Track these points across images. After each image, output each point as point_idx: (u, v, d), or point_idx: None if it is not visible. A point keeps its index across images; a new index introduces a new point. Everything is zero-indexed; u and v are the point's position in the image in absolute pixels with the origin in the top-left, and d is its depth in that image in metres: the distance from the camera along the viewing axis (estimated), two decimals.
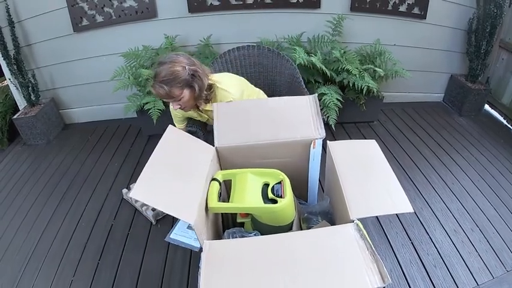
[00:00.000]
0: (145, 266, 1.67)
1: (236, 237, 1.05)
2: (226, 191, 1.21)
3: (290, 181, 1.13)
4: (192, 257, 1.69)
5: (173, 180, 1.02)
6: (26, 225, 1.96)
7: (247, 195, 1.05)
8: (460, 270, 1.64)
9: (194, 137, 1.21)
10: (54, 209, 2.07)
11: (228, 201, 1.07)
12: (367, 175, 1.05)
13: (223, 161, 1.25)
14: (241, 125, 1.27)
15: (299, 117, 1.25)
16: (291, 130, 1.23)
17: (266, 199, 1.07)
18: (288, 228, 1.10)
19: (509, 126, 2.88)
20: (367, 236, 0.84)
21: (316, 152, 1.23)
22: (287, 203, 1.05)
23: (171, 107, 1.56)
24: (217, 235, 1.21)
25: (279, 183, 1.12)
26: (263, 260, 0.81)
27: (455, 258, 1.70)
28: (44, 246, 1.81)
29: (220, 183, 1.11)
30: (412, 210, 0.92)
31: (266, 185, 1.13)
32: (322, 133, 1.21)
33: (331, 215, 1.22)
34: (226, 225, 1.29)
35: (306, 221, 1.22)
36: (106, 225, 1.92)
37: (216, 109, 1.27)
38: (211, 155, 1.15)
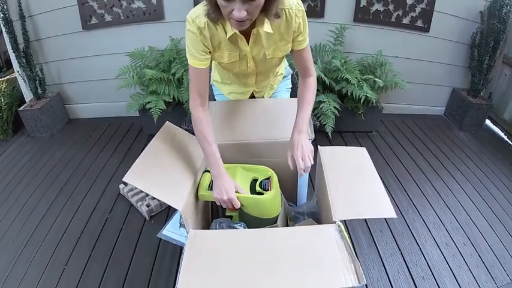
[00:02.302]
0: (136, 259, 1.70)
1: (223, 227, 1.08)
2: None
3: (280, 183, 1.16)
4: (182, 255, 1.71)
5: (166, 170, 1.07)
6: (23, 214, 2.00)
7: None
8: (448, 283, 1.62)
9: (190, 134, 1.23)
10: (51, 200, 2.11)
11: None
12: (353, 180, 1.07)
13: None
14: (234, 123, 1.30)
15: (290, 118, 1.28)
16: (282, 130, 1.25)
17: (254, 192, 1.11)
18: (273, 221, 1.13)
19: (509, 142, 2.87)
20: (347, 237, 0.86)
21: None
22: (272, 195, 1.09)
23: (190, 77, 1.14)
24: (206, 227, 1.24)
25: (267, 178, 1.15)
26: (243, 253, 0.83)
27: (445, 271, 1.69)
28: (39, 236, 1.85)
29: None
30: (394, 216, 0.92)
31: (255, 180, 1.16)
32: (312, 135, 1.23)
33: (317, 215, 1.24)
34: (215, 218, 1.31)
35: (293, 219, 1.25)
36: (101, 219, 1.95)
37: (210, 107, 1.27)
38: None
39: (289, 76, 1.57)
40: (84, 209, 2.03)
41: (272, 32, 1.04)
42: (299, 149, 1.07)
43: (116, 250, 1.75)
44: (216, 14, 0.96)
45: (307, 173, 1.35)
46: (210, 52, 1.10)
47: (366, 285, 1.58)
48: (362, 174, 1.10)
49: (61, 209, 2.04)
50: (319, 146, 1.18)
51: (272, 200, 1.09)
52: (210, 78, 1.46)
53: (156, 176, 1.03)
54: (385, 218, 1.06)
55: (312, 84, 1.21)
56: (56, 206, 2.07)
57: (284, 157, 1.12)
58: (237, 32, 1.02)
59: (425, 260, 1.74)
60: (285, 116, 1.30)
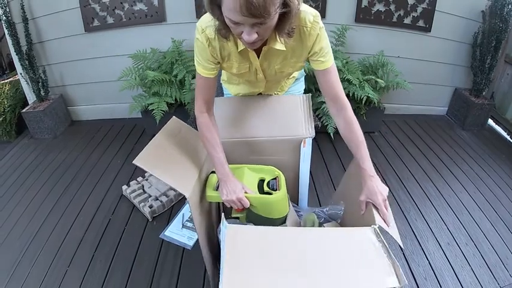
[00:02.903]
0: (139, 260, 1.70)
1: (225, 223, 1.06)
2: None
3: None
4: (183, 255, 1.72)
5: (172, 160, 1.09)
6: (27, 215, 2.02)
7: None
8: (451, 283, 1.62)
9: (195, 130, 1.23)
10: (55, 201, 2.12)
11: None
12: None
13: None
14: (238, 120, 1.30)
15: (292, 115, 1.27)
16: (284, 128, 1.26)
17: (262, 192, 1.11)
18: (281, 221, 1.13)
19: None
20: (384, 240, 0.85)
21: (306, 151, 1.26)
22: (282, 194, 1.09)
23: (197, 79, 1.10)
24: (211, 229, 1.24)
25: (274, 179, 1.16)
26: (286, 253, 0.80)
27: (447, 271, 1.68)
28: (42, 237, 1.86)
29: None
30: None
31: (262, 180, 1.16)
32: (312, 132, 1.23)
33: (341, 220, 1.23)
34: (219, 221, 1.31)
35: (309, 219, 1.20)
36: (104, 220, 1.97)
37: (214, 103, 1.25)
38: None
39: (302, 78, 1.51)
40: (87, 210, 2.04)
41: (284, 49, 1.00)
42: (380, 196, 0.99)
43: (119, 251, 1.76)
44: (226, 31, 0.93)
45: (308, 173, 1.35)
46: (218, 62, 1.07)
47: None
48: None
49: (64, 210, 2.05)
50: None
51: (281, 200, 1.10)
52: (224, 79, 1.47)
53: (164, 162, 1.06)
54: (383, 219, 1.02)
55: (352, 119, 1.08)
56: (60, 207, 2.08)
57: (285, 154, 1.12)
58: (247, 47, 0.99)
59: (428, 260, 1.74)
60: (289, 113, 1.30)
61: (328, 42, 1.04)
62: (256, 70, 1.12)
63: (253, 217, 1.12)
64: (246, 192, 1.07)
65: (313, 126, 1.29)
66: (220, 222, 1.22)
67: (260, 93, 1.41)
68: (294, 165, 1.33)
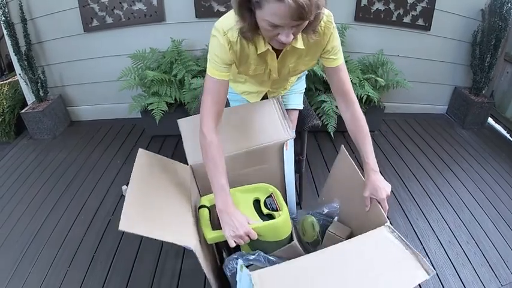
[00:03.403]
0: (139, 260, 1.70)
1: (240, 263, 0.96)
2: (216, 216, 1.11)
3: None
4: (184, 255, 1.71)
5: (158, 206, 0.97)
6: (27, 215, 2.01)
7: None
8: (452, 281, 1.62)
9: (166, 158, 1.13)
10: (55, 201, 2.12)
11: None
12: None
13: (200, 179, 1.16)
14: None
15: (267, 121, 1.24)
16: (263, 135, 1.22)
17: (261, 215, 1.04)
18: (287, 240, 1.06)
19: None
20: (400, 236, 0.87)
21: (289, 154, 1.24)
22: (285, 215, 1.02)
23: (207, 82, 1.04)
24: (215, 262, 1.16)
25: (270, 196, 1.10)
26: (319, 281, 0.78)
27: (449, 269, 1.68)
28: (43, 236, 1.86)
29: (209, 209, 1.06)
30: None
31: (257, 201, 1.10)
32: (292, 133, 1.22)
33: (338, 217, 1.22)
34: (219, 251, 1.23)
35: (308, 222, 1.18)
36: (104, 220, 1.96)
37: (180, 126, 1.17)
38: (188, 174, 1.08)
39: (304, 77, 1.54)
40: (87, 210, 2.04)
41: (304, 47, 1.02)
42: (383, 192, 1.01)
43: (119, 251, 1.76)
44: (252, 33, 0.93)
45: (293, 175, 1.33)
46: (234, 65, 1.06)
47: None
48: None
49: (64, 210, 2.04)
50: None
51: (287, 220, 1.03)
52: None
53: (152, 215, 0.93)
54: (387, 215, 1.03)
55: (360, 114, 1.12)
56: (60, 207, 2.07)
57: (268, 161, 1.09)
58: (269, 48, 1.00)
59: (429, 258, 1.74)
60: (265, 120, 1.26)
61: (339, 41, 1.07)
62: (271, 70, 1.12)
63: (258, 244, 1.02)
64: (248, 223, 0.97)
65: (291, 127, 1.26)
66: (221, 253, 1.14)
67: (266, 96, 1.42)
68: (279, 171, 1.30)
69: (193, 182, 1.10)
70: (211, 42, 1.01)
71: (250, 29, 0.91)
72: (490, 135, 2.94)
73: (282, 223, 1.01)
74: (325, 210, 1.24)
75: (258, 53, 1.02)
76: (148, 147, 2.57)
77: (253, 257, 0.99)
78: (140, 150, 1.09)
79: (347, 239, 1.12)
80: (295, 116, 1.52)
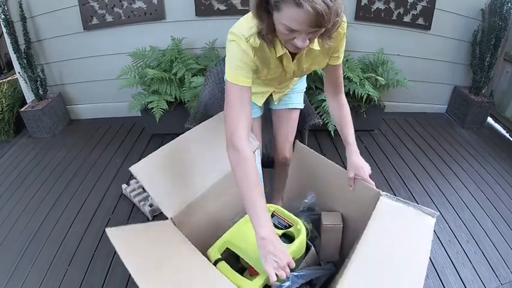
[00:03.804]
0: None
1: None
2: (234, 258, 1.02)
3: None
4: None
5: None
6: (27, 213, 2.01)
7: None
8: (452, 280, 1.62)
9: (148, 224, 0.98)
10: (55, 200, 2.11)
11: (250, 270, 0.94)
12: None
13: (187, 229, 1.01)
14: (177, 178, 1.04)
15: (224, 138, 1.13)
16: (221, 163, 1.08)
17: (280, 238, 0.94)
18: (305, 253, 1.06)
19: (511, 139, 2.86)
20: (397, 197, 0.99)
21: (258, 164, 1.22)
22: (302, 227, 1.02)
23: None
24: None
25: (273, 216, 1.08)
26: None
27: (449, 268, 1.69)
28: (42, 235, 1.85)
29: (224, 259, 0.96)
30: None
31: None
32: (255, 143, 1.19)
33: (318, 207, 1.23)
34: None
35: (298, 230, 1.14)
36: (104, 219, 1.96)
37: (136, 174, 0.99)
38: (171, 230, 0.96)
39: (305, 76, 1.52)
40: (87, 209, 2.03)
41: (319, 48, 1.01)
42: (366, 171, 1.09)
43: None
44: (272, 36, 0.92)
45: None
46: (257, 68, 1.04)
47: None
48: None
49: (64, 209, 2.04)
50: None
51: (304, 236, 1.01)
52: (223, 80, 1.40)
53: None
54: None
55: (345, 102, 1.21)
56: (59, 205, 2.07)
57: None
58: (287, 52, 0.99)
59: (430, 257, 1.73)
60: (217, 140, 1.11)
61: None
62: (286, 72, 1.12)
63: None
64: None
65: (252, 135, 1.19)
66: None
67: (270, 96, 1.41)
68: None
69: (180, 235, 0.94)
70: (231, 48, 0.97)
71: (269, 31, 0.90)
72: (489, 134, 2.94)
73: (303, 241, 0.99)
74: (305, 206, 1.23)
75: (277, 56, 1.01)
76: (147, 146, 2.59)
77: (288, 283, 0.88)
78: (108, 231, 0.91)
79: (343, 223, 1.15)
80: (296, 115, 1.52)
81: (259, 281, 0.87)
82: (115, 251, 1.68)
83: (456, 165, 2.48)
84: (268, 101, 1.47)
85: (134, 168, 0.91)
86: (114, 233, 0.83)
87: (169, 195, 0.96)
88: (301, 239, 0.98)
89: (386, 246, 0.88)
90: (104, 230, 1.81)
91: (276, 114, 1.53)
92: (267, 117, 1.57)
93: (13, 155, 2.61)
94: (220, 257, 0.94)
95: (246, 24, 0.95)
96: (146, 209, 1.91)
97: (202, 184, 1.05)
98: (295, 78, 1.41)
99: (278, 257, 0.81)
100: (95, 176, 2.32)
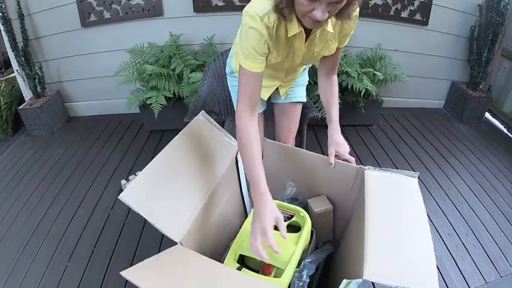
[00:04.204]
0: (139, 256, 1.70)
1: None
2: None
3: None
4: None
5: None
6: (26, 211, 2.00)
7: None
8: (452, 273, 1.63)
9: (159, 255, 0.92)
10: (54, 196, 2.11)
11: (264, 268, 0.97)
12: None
13: (196, 245, 1.01)
14: (171, 198, 0.99)
15: (209, 143, 1.14)
16: (215, 161, 1.12)
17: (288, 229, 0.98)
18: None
19: (509, 134, 2.88)
20: (380, 167, 1.08)
21: (240, 165, 1.22)
22: (306, 213, 1.07)
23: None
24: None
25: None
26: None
27: (448, 261, 1.70)
28: (41, 232, 1.85)
29: (246, 266, 0.99)
30: None
31: None
32: (234, 141, 1.19)
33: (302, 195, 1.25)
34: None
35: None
36: (103, 215, 1.96)
37: (128, 202, 0.87)
38: (192, 251, 0.94)
39: (307, 69, 1.52)
40: (86, 205, 2.03)
41: (333, 31, 1.00)
42: (345, 148, 1.18)
43: (119, 245, 1.76)
44: (289, 10, 0.89)
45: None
46: (268, 52, 1.01)
47: None
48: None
49: (63, 206, 2.04)
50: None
51: (310, 222, 1.06)
52: (233, 71, 1.41)
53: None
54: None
55: (336, 82, 1.26)
56: (58, 202, 2.07)
57: (229, 187, 1.07)
58: (302, 30, 0.97)
59: None
60: (203, 143, 1.14)
61: None
62: (294, 55, 1.09)
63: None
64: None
65: (228, 135, 1.20)
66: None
67: (277, 90, 1.40)
68: (237, 185, 1.26)
69: (194, 254, 0.93)
70: (244, 32, 0.96)
71: (288, 4, 0.88)
72: (487, 129, 2.95)
73: (310, 223, 1.05)
74: (288, 198, 1.23)
75: (289, 35, 0.98)
76: (146, 142, 2.59)
77: (306, 271, 0.95)
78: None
79: (333, 205, 1.19)
80: (299, 108, 1.52)
81: (285, 276, 0.90)
82: (115, 247, 1.71)
83: (454, 159, 2.49)
84: (272, 95, 1.46)
85: (125, 197, 0.84)
86: (131, 274, 0.80)
87: (170, 219, 0.94)
88: (308, 226, 1.03)
89: (390, 213, 0.96)
90: (104, 226, 1.83)
91: (279, 108, 1.52)
92: (270, 111, 1.57)
93: (11, 153, 2.61)
94: (239, 265, 0.96)
95: (259, 3, 0.93)
96: None
97: (198, 199, 1.03)
98: (300, 70, 1.39)
99: (266, 234, 0.87)
100: (94, 173, 2.32)
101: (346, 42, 1.12)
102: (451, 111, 3.16)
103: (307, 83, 1.54)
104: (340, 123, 1.26)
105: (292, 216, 1.08)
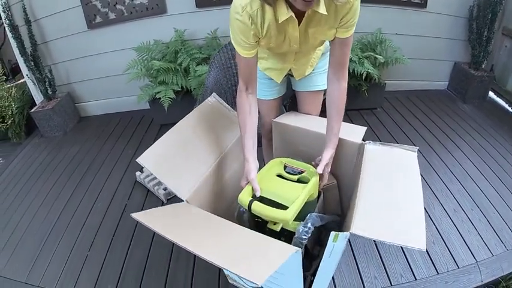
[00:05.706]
0: (156, 243, 1.76)
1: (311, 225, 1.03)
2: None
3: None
4: None
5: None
6: (46, 206, 2.10)
7: (286, 195, 1.06)
8: (458, 247, 1.66)
9: (167, 206, 1.08)
10: (71, 192, 2.20)
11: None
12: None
13: (204, 204, 1.18)
14: (182, 163, 1.16)
15: (219, 119, 1.30)
16: (224, 135, 1.29)
17: (296, 183, 1.14)
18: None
19: None
20: (377, 141, 1.15)
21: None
22: (314, 169, 1.14)
23: (238, 61, 1.13)
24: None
25: (286, 166, 1.20)
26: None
27: (454, 235, 1.72)
28: (61, 225, 1.94)
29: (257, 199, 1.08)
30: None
31: (279, 176, 1.18)
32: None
33: None
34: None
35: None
36: (120, 205, 2.04)
37: (146, 165, 1.09)
38: (197, 208, 1.08)
39: (327, 53, 1.38)
40: (103, 198, 2.12)
41: (326, 13, 0.97)
42: (328, 168, 1.19)
43: (136, 234, 1.83)
44: None
45: None
46: (257, 41, 1.07)
47: (380, 254, 1.63)
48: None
49: (81, 199, 2.12)
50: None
51: (317, 177, 1.14)
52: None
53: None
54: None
55: (345, 91, 1.19)
56: (76, 196, 2.15)
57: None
58: (293, 15, 0.97)
59: (435, 225, 1.78)
60: (209, 128, 1.31)
61: (358, 17, 1.04)
62: (291, 41, 1.10)
63: (303, 210, 1.06)
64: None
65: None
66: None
67: (291, 74, 1.41)
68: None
69: (200, 210, 1.07)
70: (231, 24, 1.02)
71: None
72: (491, 108, 2.96)
73: (317, 177, 1.13)
74: None
75: (280, 21, 0.99)
76: (158, 135, 2.64)
77: (311, 221, 1.04)
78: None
79: (338, 182, 1.26)
80: (320, 95, 1.48)
81: (291, 209, 1.00)
82: (133, 234, 1.78)
83: (459, 138, 2.51)
84: (291, 82, 1.48)
85: (142, 159, 1.03)
86: (141, 216, 0.91)
87: (180, 180, 1.10)
88: (315, 179, 1.11)
89: (384, 179, 1.03)
90: (121, 216, 1.91)
91: (301, 96, 1.51)
92: (293, 97, 1.60)
93: (27, 154, 2.70)
94: (251, 198, 1.05)
95: None
96: (161, 193, 1.98)
97: (205, 165, 1.20)
98: (317, 54, 1.37)
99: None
100: (109, 167, 2.40)
101: (348, 33, 1.07)
102: (455, 92, 3.17)
103: (327, 70, 1.49)
104: (345, 108, 1.23)
105: (302, 172, 1.16)
